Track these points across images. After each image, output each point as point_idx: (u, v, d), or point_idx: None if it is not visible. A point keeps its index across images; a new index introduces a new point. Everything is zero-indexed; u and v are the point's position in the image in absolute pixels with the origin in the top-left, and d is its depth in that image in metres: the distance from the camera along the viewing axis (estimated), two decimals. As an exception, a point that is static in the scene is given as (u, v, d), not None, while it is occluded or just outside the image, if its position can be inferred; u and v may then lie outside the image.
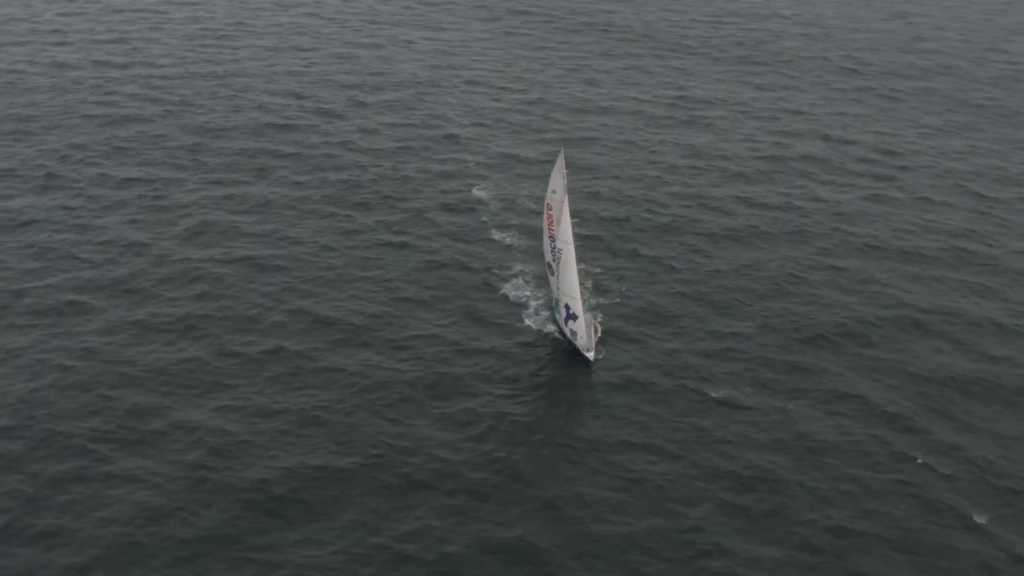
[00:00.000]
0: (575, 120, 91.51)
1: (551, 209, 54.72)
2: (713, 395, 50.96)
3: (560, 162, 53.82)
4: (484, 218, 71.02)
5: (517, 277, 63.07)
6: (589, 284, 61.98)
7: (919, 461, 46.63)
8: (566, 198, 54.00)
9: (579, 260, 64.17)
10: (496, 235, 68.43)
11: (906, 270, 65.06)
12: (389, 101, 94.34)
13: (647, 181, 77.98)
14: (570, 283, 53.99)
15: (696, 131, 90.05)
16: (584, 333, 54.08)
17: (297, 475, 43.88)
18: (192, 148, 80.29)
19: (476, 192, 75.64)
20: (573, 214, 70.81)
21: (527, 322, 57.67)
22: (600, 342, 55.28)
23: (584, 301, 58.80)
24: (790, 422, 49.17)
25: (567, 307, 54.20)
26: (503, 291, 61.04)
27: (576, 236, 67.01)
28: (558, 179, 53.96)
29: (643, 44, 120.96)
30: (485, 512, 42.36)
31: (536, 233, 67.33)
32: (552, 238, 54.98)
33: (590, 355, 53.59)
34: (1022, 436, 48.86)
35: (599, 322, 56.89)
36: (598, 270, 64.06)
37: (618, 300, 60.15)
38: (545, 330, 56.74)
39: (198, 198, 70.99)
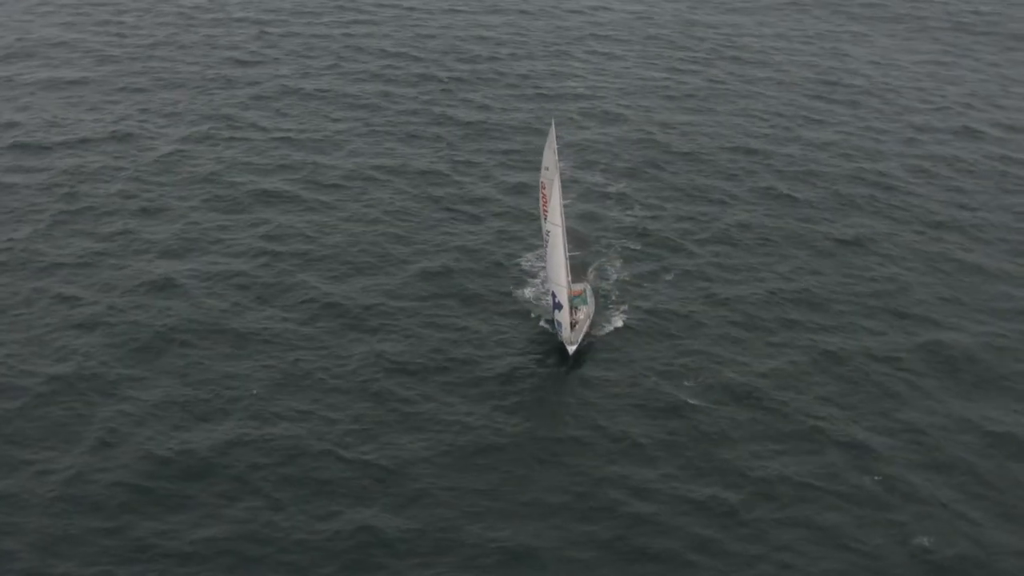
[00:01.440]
0: (697, 99, 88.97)
1: (544, 188, 53.95)
2: (685, 406, 49.06)
3: (551, 137, 52.89)
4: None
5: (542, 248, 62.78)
6: (617, 263, 61.23)
7: (865, 500, 43.63)
8: (558, 175, 53.05)
9: (623, 247, 63.61)
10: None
11: (985, 293, 59.60)
12: (506, 71, 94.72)
13: (738, 172, 74.81)
14: (556, 269, 52.75)
15: (835, 117, 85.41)
16: (568, 324, 53.23)
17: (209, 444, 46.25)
18: (267, 103, 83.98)
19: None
20: (646, 197, 70.11)
21: (523, 292, 57.96)
22: (592, 334, 54.28)
23: (596, 291, 58.02)
24: (750, 445, 46.81)
25: (553, 295, 53.63)
26: (517, 261, 61.57)
27: (633, 222, 66.54)
28: (549, 155, 52.91)
29: (835, 13, 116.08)
30: (345, 499, 42.80)
31: (585, 209, 67.42)
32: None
33: (570, 349, 52.58)
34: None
35: (593, 314, 55.48)
36: (637, 246, 63.11)
37: (645, 289, 58.77)
38: (536, 302, 56.74)
39: (255, 155, 74.31)
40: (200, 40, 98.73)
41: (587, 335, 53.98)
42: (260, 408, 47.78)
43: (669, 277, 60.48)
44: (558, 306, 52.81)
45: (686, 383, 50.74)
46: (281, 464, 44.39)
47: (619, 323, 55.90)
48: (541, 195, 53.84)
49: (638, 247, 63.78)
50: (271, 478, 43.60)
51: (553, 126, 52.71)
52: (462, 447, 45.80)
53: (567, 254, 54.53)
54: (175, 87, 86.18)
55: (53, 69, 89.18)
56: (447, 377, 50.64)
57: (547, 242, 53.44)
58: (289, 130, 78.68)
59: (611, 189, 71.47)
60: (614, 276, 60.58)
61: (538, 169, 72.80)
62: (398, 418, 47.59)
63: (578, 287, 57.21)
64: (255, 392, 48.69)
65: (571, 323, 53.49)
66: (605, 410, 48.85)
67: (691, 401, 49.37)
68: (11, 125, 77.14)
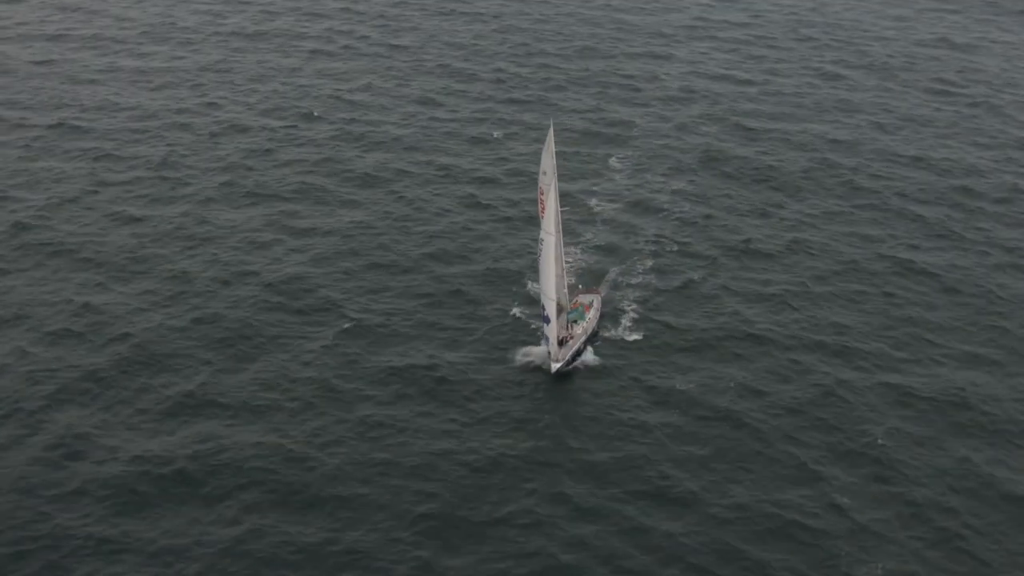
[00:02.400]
0: (790, 102, 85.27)
1: (542, 193, 52.07)
2: (662, 423, 46.82)
3: (549, 140, 49.93)
4: (595, 187, 69.91)
5: (573, 245, 61.53)
6: (647, 264, 59.54)
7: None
8: (555, 181, 51.08)
9: (659, 252, 61.37)
10: (593, 202, 67.29)
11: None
12: (594, 69, 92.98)
13: (807, 183, 71.02)
14: (546, 281, 50.02)
15: (936, 128, 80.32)
16: (555, 340, 50.36)
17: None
18: (339, 88, 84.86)
19: (612, 161, 74.23)
20: (701, 203, 67.38)
21: (528, 292, 57.12)
22: (596, 340, 52.30)
23: (611, 300, 56.28)
24: (714, 470, 44.32)
25: (543, 307, 50.88)
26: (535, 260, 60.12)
27: (677, 228, 64.31)
28: (547, 159, 50.14)
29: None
30: (272, 496, 42.48)
31: (633, 211, 66.34)
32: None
33: (554, 366, 49.71)
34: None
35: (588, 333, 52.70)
36: (674, 248, 61.03)
37: (664, 298, 56.51)
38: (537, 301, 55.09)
39: (303, 145, 74.89)
40: (290, 27, 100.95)
41: (582, 349, 51.69)
42: (212, 396, 48.10)
43: (694, 287, 58.06)
44: (546, 319, 50.89)
45: (674, 398, 48.63)
46: (215, 457, 44.35)
47: (626, 332, 53.92)
48: (539, 201, 51.92)
49: (675, 248, 62.00)
50: (203, 470, 43.60)
51: (551, 129, 50.61)
52: (410, 455, 44.72)
53: (563, 264, 52.55)
54: (251, 76, 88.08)
55: (136, 54, 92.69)
56: (419, 377, 49.70)
57: (538, 251, 51.49)
58: (348, 120, 79.28)
59: (667, 191, 69.47)
60: (637, 282, 58.53)
61: (585, 176, 71.86)
62: (352, 417, 46.99)
63: (586, 299, 55.25)
64: (204, 381, 49.18)
65: (562, 339, 51.35)
66: (576, 423, 47.16)
67: (670, 419, 47.16)
68: (62, 106, 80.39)
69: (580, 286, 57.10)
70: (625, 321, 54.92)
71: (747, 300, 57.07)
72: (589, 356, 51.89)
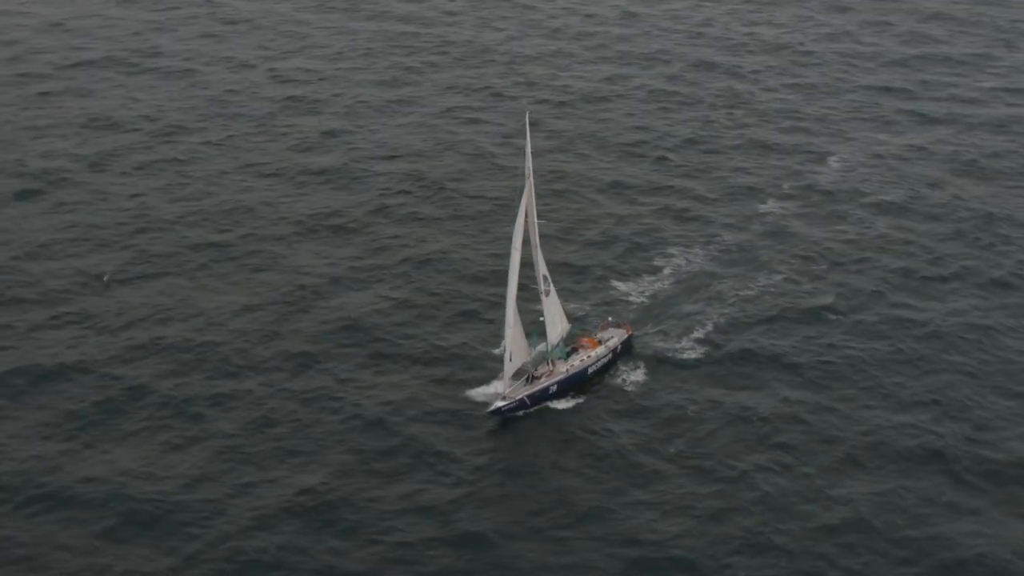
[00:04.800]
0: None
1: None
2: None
3: (527, 138, 44.07)
4: (785, 186, 64.62)
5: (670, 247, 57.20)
6: (767, 284, 53.28)
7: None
8: (530, 186, 43.94)
9: (771, 292, 53.17)
10: (764, 207, 61.90)
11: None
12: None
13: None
14: (508, 305, 43.64)
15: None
16: (508, 374, 43.81)
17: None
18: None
19: (831, 162, 67.53)
20: (868, 244, 57.81)
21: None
22: (550, 394, 44.74)
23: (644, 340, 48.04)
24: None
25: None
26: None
27: (821, 272, 54.65)
28: (526, 158, 44.39)
29: None
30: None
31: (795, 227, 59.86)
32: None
33: (495, 404, 43.11)
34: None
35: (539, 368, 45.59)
36: (800, 274, 54.16)
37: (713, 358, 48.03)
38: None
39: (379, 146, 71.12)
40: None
41: (552, 389, 44.70)
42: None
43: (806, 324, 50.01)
44: (504, 349, 44.20)
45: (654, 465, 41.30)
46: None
47: (674, 358, 47.62)
48: None
49: (823, 268, 54.54)
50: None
51: (528, 124, 44.98)
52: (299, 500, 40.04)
53: (543, 287, 45.91)
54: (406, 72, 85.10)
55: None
56: (366, 409, 44.86)
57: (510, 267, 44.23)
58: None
59: (867, 206, 61.92)
60: (738, 302, 51.78)
61: (786, 175, 65.11)
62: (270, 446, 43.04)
63: (607, 334, 47.94)
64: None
65: (536, 375, 44.91)
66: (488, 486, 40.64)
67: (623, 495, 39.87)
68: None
69: (610, 318, 49.50)
70: (683, 345, 48.50)
71: (811, 391, 46.37)
72: (638, 374, 46.30)
